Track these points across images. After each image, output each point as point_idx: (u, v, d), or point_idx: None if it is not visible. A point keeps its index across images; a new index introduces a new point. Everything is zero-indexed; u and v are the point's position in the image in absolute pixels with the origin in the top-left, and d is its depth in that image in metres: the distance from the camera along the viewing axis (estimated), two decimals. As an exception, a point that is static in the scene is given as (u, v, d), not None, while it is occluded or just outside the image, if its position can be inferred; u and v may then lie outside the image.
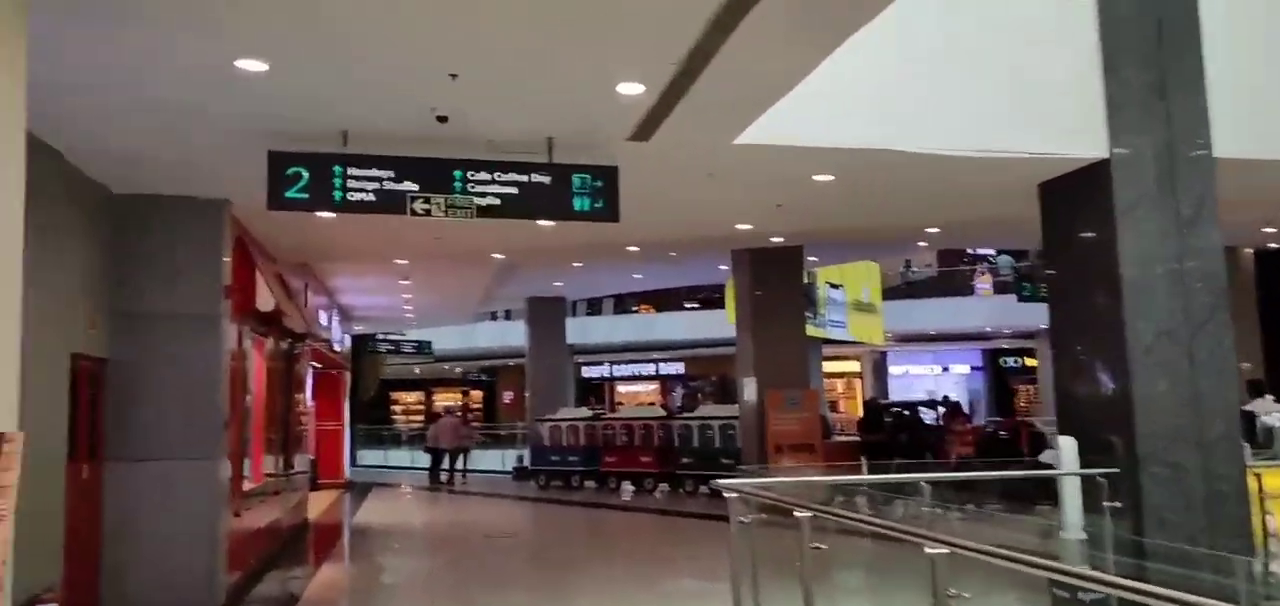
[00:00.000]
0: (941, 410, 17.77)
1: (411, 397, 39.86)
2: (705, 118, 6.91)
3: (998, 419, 22.22)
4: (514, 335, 30.41)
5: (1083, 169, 8.40)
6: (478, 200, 7.23)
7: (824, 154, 7.90)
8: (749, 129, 7.05)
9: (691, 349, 32.58)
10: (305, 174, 7.01)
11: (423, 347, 26.17)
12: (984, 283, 29.68)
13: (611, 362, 35.05)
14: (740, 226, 10.75)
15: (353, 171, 7.08)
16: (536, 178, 7.35)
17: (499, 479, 23.05)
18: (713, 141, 7.54)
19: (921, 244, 16.98)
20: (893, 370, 31.84)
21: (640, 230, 11.30)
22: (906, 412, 17.80)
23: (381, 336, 25.99)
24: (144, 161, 7.89)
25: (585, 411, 21.48)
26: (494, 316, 32.03)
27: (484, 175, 7.25)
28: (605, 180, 7.42)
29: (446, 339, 30.83)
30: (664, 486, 18.71)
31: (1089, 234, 8.41)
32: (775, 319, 15.66)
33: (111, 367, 8.59)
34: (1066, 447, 8.25)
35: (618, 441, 19.27)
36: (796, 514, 6.04)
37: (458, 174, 7.22)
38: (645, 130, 7.24)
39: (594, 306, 31.53)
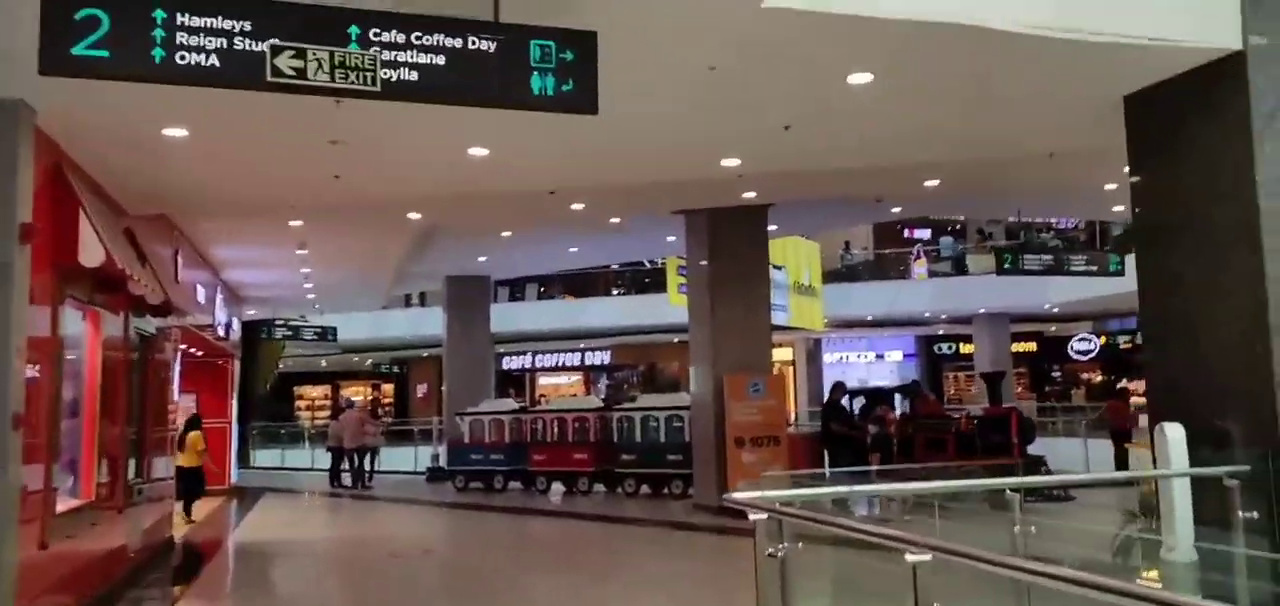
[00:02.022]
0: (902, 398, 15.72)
1: (316, 392, 36.36)
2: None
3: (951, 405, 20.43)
4: (429, 323, 27.41)
5: (1196, 71, 6.23)
6: (384, 71, 4.59)
7: (874, 32, 5.51)
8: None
9: (619, 337, 30.11)
10: (105, 18, 4.27)
11: (326, 334, 22.95)
12: (920, 266, 28.03)
13: (534, 353, 32.30)
14: (726, 162, 8.30)
15: (186, 19, 4.37)
16: (476, 41, 4.75)
17: (411, 481, 20.10)
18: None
19: (895, 208, 14.83)
20: (827, 357, 29.97)
21: (594, 168, 8.73)
22: (874, 399, 15.58)
23: (280, 322, 22.71)
24: None
25: (511, 403, 18.76)
26: (407, 302, 28.99)
27: (395, 35, 4.62)
28: (578, 50, 4.86)
29: (355, 327, 27.61)
30: (600, 487, 16.21)
31: (1207, 153, 6.24)
32: (736, 293, 13.33)
33: None
34: (1173, 440, 6.09)
35: (548, 437, 16.65)
36: (911, 558, 3.54)
37: (354, 28, 4.58)
38: (638, -26, 4.74)
39: (516, 292, 28.73)
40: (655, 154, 8.06)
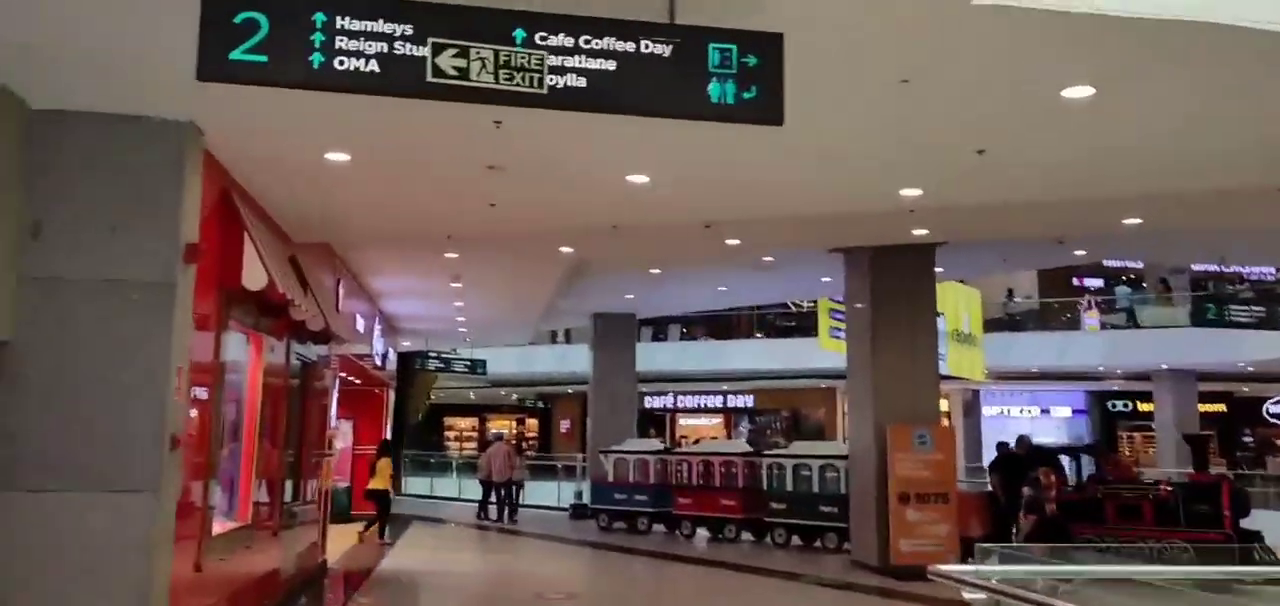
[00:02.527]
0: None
1: (464, 423, 37.04)
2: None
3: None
4: (574, 359, 27.40)
5: None
6: (551, 77, 4.16)
7: (1109, 34, 4.70)
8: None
9: (761, 380, 29.20)
10: (264, 22, 4.02)
11: (476, 368, 23.18)
12: (1091, 317, 25.93)
13: (676, 394, 31.77)
14: (906, 191, 7.52)
15: (346, 22, 4.07)
16: (650, 45, 4.26)
17: (554, 517, 19.85)
18: (938, -4, 4.41)
19: (1078, 251, 13.51)
20: (986, 411, 28.09)
21: (756, 198, 8.12)
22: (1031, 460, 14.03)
23: (432, 354, 23.08)
24: (64, 51, 5.03)
25: (655, 443, 18.26)
26: (553, 338, 29.07)
27: (562, 38, 4.19)
28: (762, 55, 4.30)
29: (502, 362, 27.92)
30: (747, 535, 15.42)
31: None
32: (900, 337, 12.39)
33: (13, 354, 5.71)
34: None
35: (693, 480, 16.02)
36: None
37: (519, 31, 4.17)
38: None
39: (659, 332, 28.34)
40: (826, 182, 7.38)
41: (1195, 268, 27.29)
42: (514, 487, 19.08)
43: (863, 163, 6.88)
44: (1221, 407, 27.40)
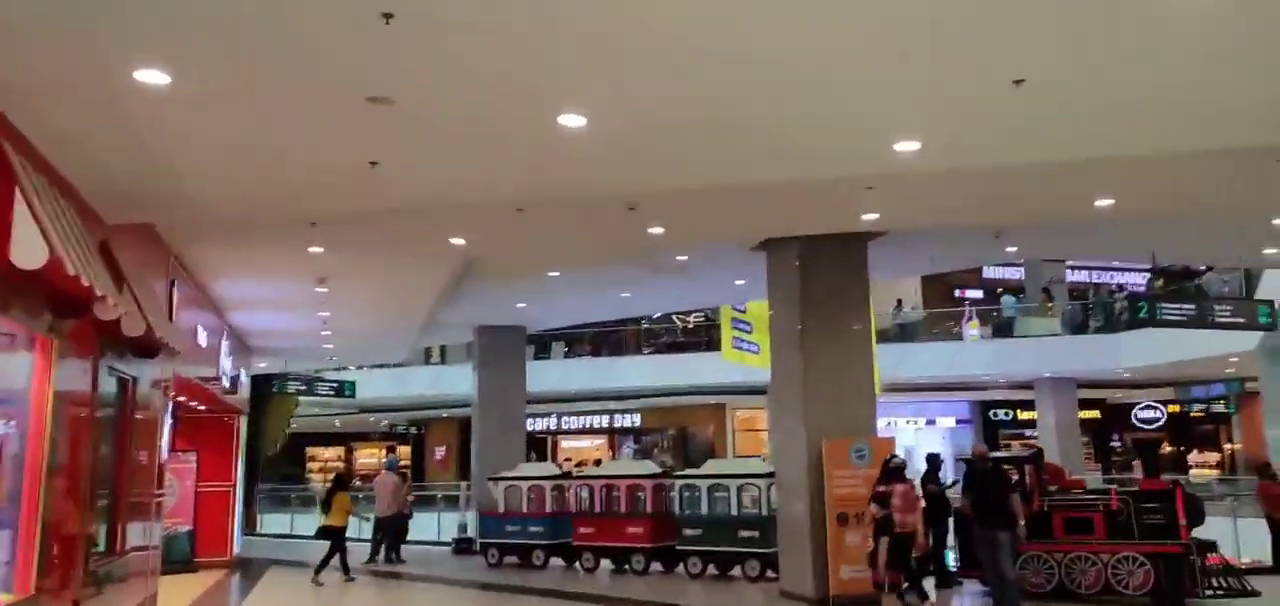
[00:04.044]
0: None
1: (329, 453, 33.92)
2: None
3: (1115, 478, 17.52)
4: (451, 380, 25.09)
5: None
6: None
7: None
8: None
9: (651, 398, 27.65)
10: None
11: (343, 390, 20.57)
12: (972, 328, 25.65)
13: (559, 414, 29.80)
14: (902, 145, 5.96)
15: None
16: None
17: (435, 553, 17.46)
18: None
19: (1011, 247, 12.46)
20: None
21: (706, 156, 6.43)
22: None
23: (292, 377, 20.35)
24: None
25: (552, 467, 16.29)
26: (428, 358, 26.66)
27: None
28: None
29: (372, 385, 25.33)
30: (656, 565, 13.69)
31: None
32: (834, 341, 10.99)
33: None
34: None
35: (596, 507, 14.16)
36: None
37: None
38: None
39: (542, 350, 26.38)
40: (807, 122, 5.72)
41: (1074, 279, 27.59)
42: (402, 523, 16.43)
43: (861, 96, 5.29)
44: (1096, 413, 27.65)
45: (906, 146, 5.97)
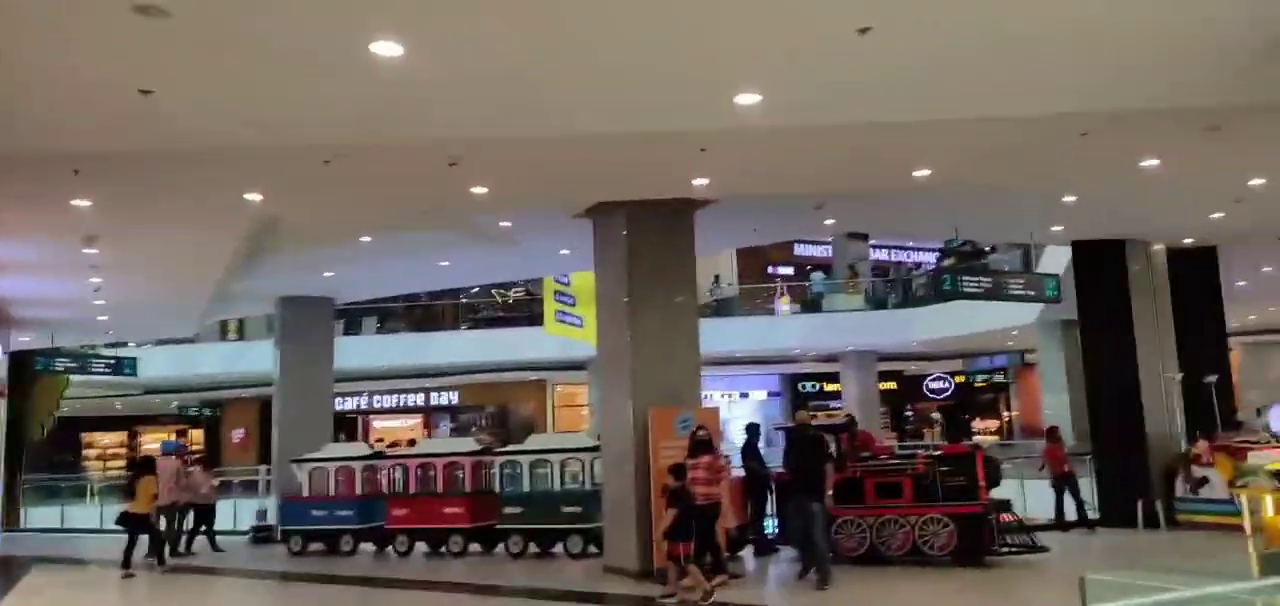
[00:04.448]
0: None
1: (110, 439, 30.70)
2: None
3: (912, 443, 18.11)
4: (248, 358, 23.19)
5: None
6: None
7: None
8: None
9: (469, 375, 26.74)
10: None
11: (122, 368, 18.44)
12: (783, 303, 26.54)
13: (371, 393, 28.30)
14: (742, 98, 5.68)
15: None
16: None
17: (230, 544, 15.88)
18: None
19: (828, 221, 12.68)
20: (690, 397, 27.80)
21: (528, 97, 5.91)
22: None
23: (60, 352, 18.00)
24: None
25: (362, 448, 15.26)
26: (223, 334, 24.54)
27: None
28: None
29: (157, 363, 22.98)
30: (475, 546, 13.07)
31: None
32: (659, 309, 10.76)
33: None
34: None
35: (411, 487, 13.35)
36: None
37: None
38: None
39: (352, 325, 24.87)
40: (642, 68, 5.32)
41: (876, 257, 29.05)
42: (193, 513, 14.68)
43: (703, 40, 4.95)
44: (893, 385, 29.33)
45: (747, 99, 5.71)
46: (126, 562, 12.53)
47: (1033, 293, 12.90)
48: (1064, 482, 12.92)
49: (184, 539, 14.44)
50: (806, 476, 9.54)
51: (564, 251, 13.13)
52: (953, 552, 10.40)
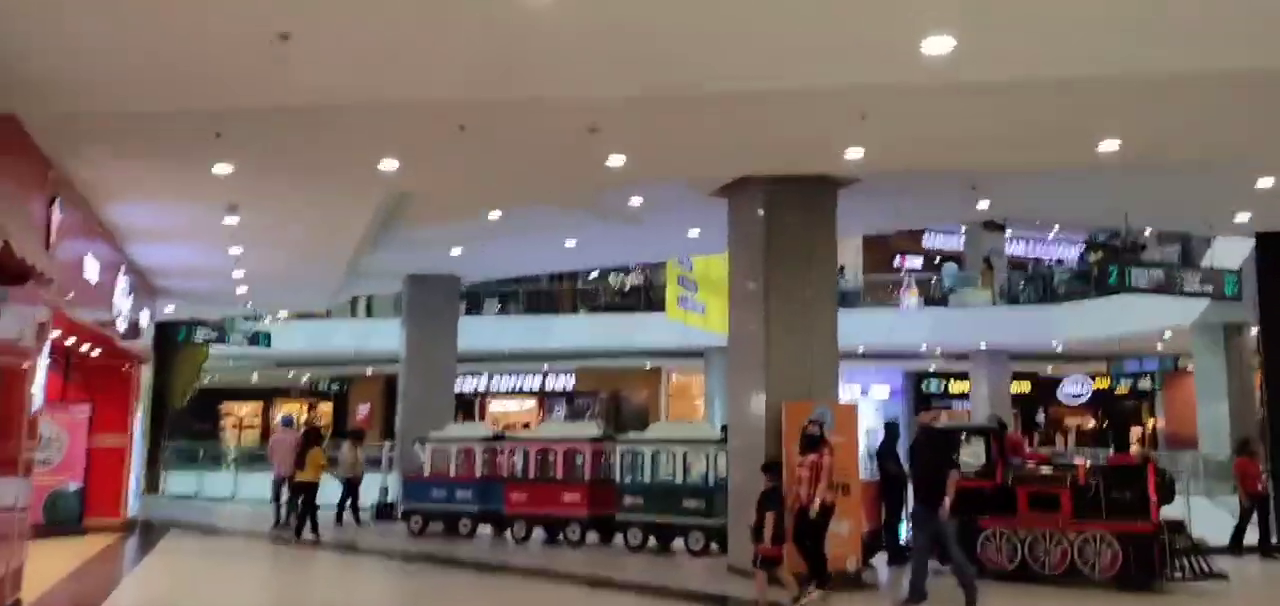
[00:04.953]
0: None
1: (245, 409, 31.91)
2: None
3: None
4: (377, 336, 23.49)
5: None
6: None
7: None
8: None
9: (585, 360, 26.48)
10: None
11: (258, 341, 18.90)
12: (909, 297, 25.19)
13: (491, 374, 28.41)
14: (932, 45, 4.93)
15: None
16: None
17: (348, 520, 15.81)
18: None
19: (982, 203, 11.62)
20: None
21: (697, 57, 5.31)
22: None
23: (203, 323, 18.57)
24: None
25: (484, 429, 15.09)
26: (353, 310, 25.00)
27: None
28: None
29: (291, 338, 23.54)
30: (593, 536, 12.65)
31: None
32: (798, 297, 10.04)
33: None
34: None
35: (530, 472, 13.04)
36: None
37: None
38: None
39: (473, 304, 24.89)
40: (821, 9, 4.62)
41: (1011, 251, 27.35)
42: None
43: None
44: (1026, 387, 27.56)
45: (936, 46, 4.96)
46: (313, 528, 13.34)
47: (1210, 288, 11.55)
48: (1255, 503, 11.50)
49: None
50: (927, 484, 8.58)
51: (693, 233, 12.55)
52: (1116, 576, 9.31)
